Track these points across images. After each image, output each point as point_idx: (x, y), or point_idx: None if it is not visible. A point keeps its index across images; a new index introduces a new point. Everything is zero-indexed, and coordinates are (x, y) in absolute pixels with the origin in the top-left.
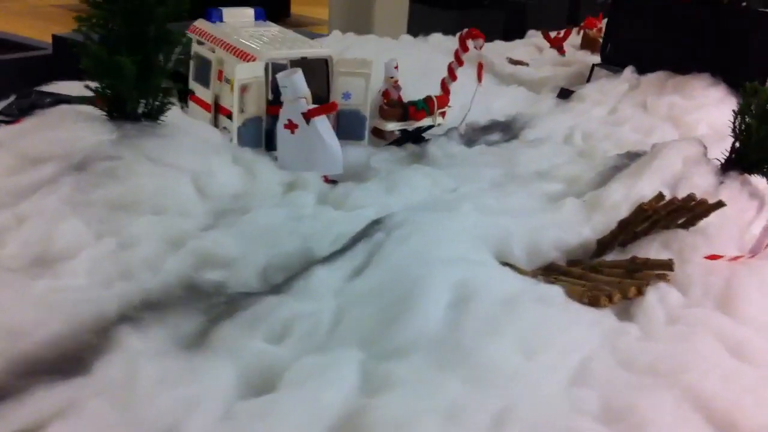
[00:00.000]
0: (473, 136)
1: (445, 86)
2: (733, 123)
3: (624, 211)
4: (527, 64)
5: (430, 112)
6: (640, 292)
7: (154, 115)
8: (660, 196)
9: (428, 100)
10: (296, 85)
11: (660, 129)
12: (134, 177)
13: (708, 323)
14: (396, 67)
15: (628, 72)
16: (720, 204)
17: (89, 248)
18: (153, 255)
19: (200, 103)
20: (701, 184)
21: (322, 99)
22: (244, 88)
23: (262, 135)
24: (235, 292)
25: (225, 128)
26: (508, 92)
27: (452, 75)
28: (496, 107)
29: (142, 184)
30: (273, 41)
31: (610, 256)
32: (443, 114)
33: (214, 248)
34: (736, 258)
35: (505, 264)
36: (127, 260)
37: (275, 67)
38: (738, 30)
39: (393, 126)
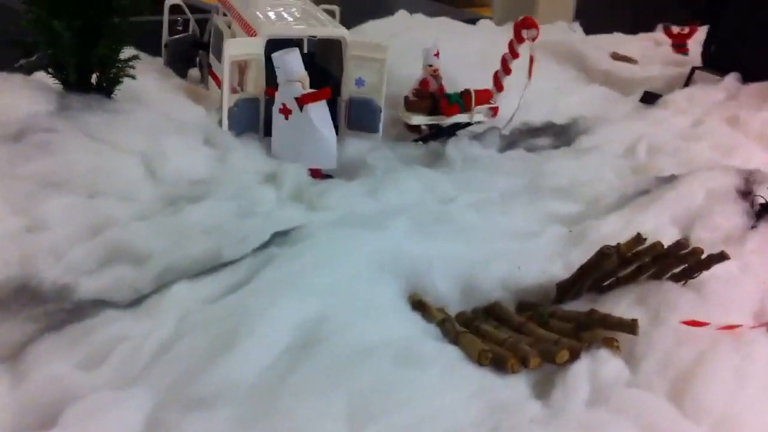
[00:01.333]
0: (517, 138)
1: (497, 80)
2: None
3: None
4: (635, 62)
5: (466, 108)
6: (574, 357)
7: (107, 87)
8: (638, 239)
9: (465, 94)
10: (288, 67)
11: (744, 149)
12: (68, 153)
13: (643, 413)
14: (437, 54)
15: (730, 79)
16: (722, 257)
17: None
18: (63, 241)
19: (215, 78)
20: (723, 224)
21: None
22: (242, 66)
23: (259, 118)
24: (85, 299)
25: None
26: (585, 91)
27: (506, 68)
28: (564, 107)
29: (75, 162)
30: (289, 17)
31: (576, 304)
32: (495, 111)
33: (131, 241)
34: (729, 327)
35: (417, 301)
36: (33, 243)
37: (276, 45)
38: None
39: (419, 120)
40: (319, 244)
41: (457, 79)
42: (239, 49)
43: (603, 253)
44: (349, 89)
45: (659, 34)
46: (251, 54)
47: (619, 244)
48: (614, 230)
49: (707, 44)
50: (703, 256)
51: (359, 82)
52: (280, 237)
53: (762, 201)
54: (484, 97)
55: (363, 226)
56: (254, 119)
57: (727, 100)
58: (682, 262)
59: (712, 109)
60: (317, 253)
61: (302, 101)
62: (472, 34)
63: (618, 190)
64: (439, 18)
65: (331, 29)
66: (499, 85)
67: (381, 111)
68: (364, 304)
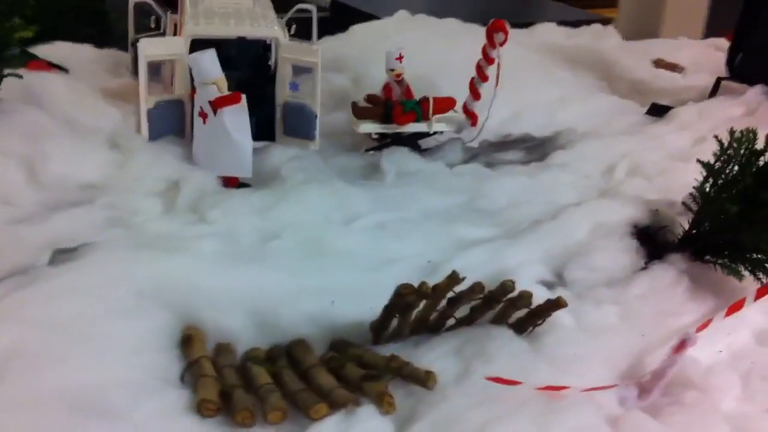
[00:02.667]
0: (482, 151)
1: (474, 88)
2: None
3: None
4: (681, 70)
5: (424, 117)
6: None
7: None
8: (453, 278)
9: (423, 101)
10: (201, 68)
11: None
12: None
13: None
14: (399, 58)
15: (755, 92)
16: (558, 305)
17: None
18: None
19: None
20: (605, 265)
21: None
22: (163, 67)
23: (184, 122)
24: None
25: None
26: (591, 101)
27: (481, 75)
28: (560, 118)
29: None
30: (227, 15)
31: (397, 347)
32: (474, 120)
33: None
34: (552, 388)
35: (186, 336)
36: None
37: (199, 45)
38: None
39: (368, 128)
40: (84, 266)
41: (441, 86)
42: (156, 49)
43: (399, 294)
44: (284, 94)
45: (721, 39)
46: (171, 54)
47: (423, 283)
48: (474, 264)
49: (733, 53)
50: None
51: (293, 87)
52: (63, 254)
53: None
54: (445, 105)
55: (165, 248)
56: (177, 122)
57: (744, 115)
58: (515, 307)
59: (722, 125)
60: (71, 278)
61: (215, 105)
62: (473, 37)
63: (549, 214)
64: (447, 19)
65: (262, 30)
66: (475, 93)
67: (316, 117)
68: (89, 340)
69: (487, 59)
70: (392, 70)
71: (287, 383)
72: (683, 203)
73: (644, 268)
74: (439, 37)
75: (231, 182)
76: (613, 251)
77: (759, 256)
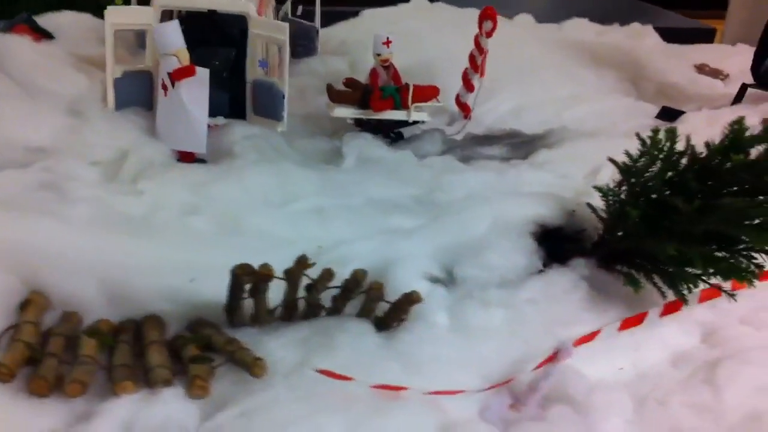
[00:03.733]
0: (464, 145)
1: (467, 79)
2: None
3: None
4: (725, 76)
5: (403, 105)
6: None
7: None
8: (301, 262)
9: (403, 88)
10: (163, 39)
11: None
12: None
13: None
14: (386, 43)
15: None
16: (412, 300)
17: None
18: None
19: None
20: (499, 265)
21: None
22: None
23: (152, 93)
24: None
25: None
26: (603, 101)
27: (474, 66)
28: (566, 117)
29: None
30: None
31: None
32: (467, 112)
33: None
34: (389, 387)
35: (25, 300)
36: None
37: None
38: None
39: (343, 112)
40: None
41: (442, 74)
42: (123, 18)
43: (233, 274)
44: (254, 71)
45: None
46: (140, 24)
47: (263, 265)
48: (363, 253)
49: (759, 59)
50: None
51: (263, 64)
52: None
53: None
54: (426, 93)
55: (32, 211)
56: (145, 93)
57: (759, 124)
58: (371, 299)
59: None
60: None
61: (173, 76)
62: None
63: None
64: (467, 9)
65: (234, 3)
66: (468, 85)
67: (284, 97)
68: None
69: (480, 49)
70: (378, 54)
71: (116, 357)
72: (587, 204)
73: (541, 272)
74: (450, 26)
75: (186, 157)
76: (511, 251)
77: (671, 268)
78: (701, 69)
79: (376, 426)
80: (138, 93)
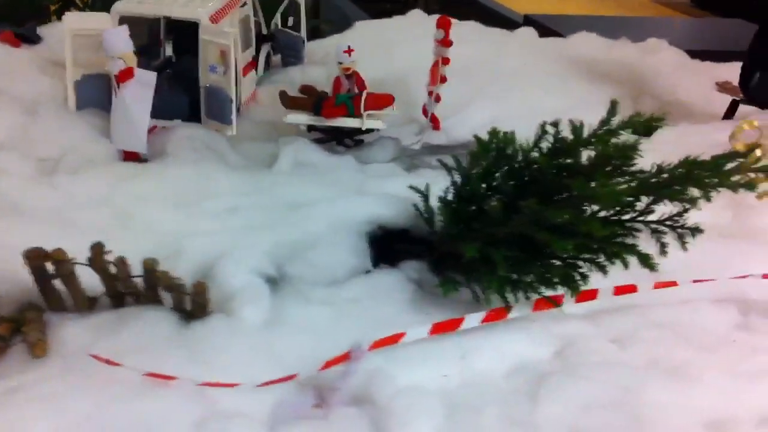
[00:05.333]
0: (417, 154)
1: (434, 89)
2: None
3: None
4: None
5: (356, 112)
6: None
7: None
8: (95, 248)
9: (356, 96)
10: (109, 42)
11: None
12: None
13: None
14: (347, 52)
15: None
16: (195, 290)
17: None
18: None
19: None
20: (329, 263)
21: None
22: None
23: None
24: None
25: None
26: (584, 115)
27: (434, 75)
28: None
29: None
30: None
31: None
32: (436, 123)
33: None
34: (162, 377)
35: None
36: None
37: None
38: None
39: (295, 119)
40: None
41: (417, 86)
42: (81, 23)
43: (25, 257)
44: (206, 77)
45: None
46: (98, 29)
47: (56, 250)
48: (206, 247)
49: (748, 73)
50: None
51: (212, 69)
52: None
53: None
54: (380, 101)
55: None
56: (104, 95)
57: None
58: (175, 290)
59: (693, 150)
60: None
61: (118, 79)
62: (484, 41)
63: None
64: (467, 22)
65: (188, 10)
66: (434, 96)
67: (232, 102)
68: None
69: (443, 60)
70: (340, 63)
71: None
72: (413, 206)
73: (368, 272)
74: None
75: (130, 156)
76: (343, 250)
77: (502, 273)
78: (723, 87)
79: (127, 409)
80: (98, 95)
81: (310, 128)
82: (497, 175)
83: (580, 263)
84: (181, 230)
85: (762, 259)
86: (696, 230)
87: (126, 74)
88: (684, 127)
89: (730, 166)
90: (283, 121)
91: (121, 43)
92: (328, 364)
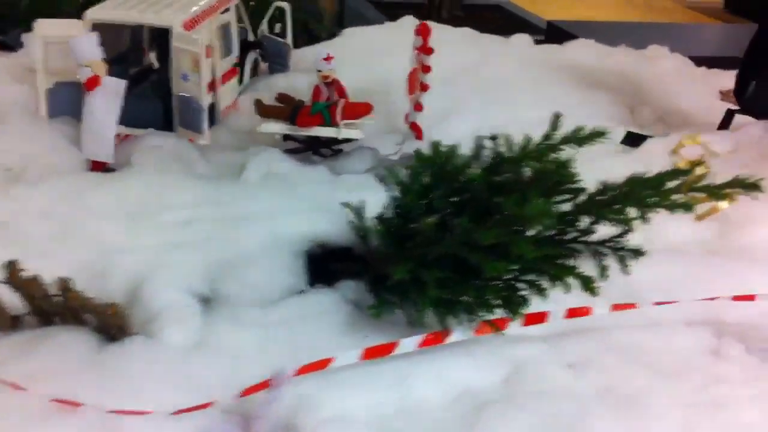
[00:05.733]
0: (394, 164)
1: (413, 99)
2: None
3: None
4: None
5: (332, 121)
6: None
7: None
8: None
9: (332, 105)
10: (77, 50)
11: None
12: None
13: None
14: (326, 59)
15: (749, 131)
16: (109, 311)
17: None
18: None
19: None
20: (261, 283)
21: None
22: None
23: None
24: None
25: None
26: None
27: (411, 83)
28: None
29: None
30: (147, 2)
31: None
32: (419, 133)
33: None
34: (69, 403)
35: None
36: None
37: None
38: None
39: (270, 128)
40: None
41: (404, 93)
42: (53, 30)
43: None
44: (178, 84)
45: None
46: (69, 36)
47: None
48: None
49: (743, 82)
50: None
51: (185, 78)
52: None
53: None
54: (357, 111)
55: None
56: (77, 103)
57: (725, 154)
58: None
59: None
60: None
61: (85, 86)
62: (474, 48)
63: None
64: (462, 28)
65: (159, 17)
66: (416, 105)
67: (203, 111)
68: None
69: (423, 68)
70: (319, 71)
71: None
72: (349, 222)
73: (302, 292)
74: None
75: (96, 166)
76: (278, 269)
77: (432, 294)
78: (726, 95)
79: None
80: (71, 103)
81: (286, 138)
82: (436, 191)
83: (521, 285)
84: (123, 245)
85: (745, 279)
86: (637, 252)
87: (92, 82)
88: (675, 138)
89: (671, 184)
90: (257, 130)
91: (89, 51)
92: (247, 392)
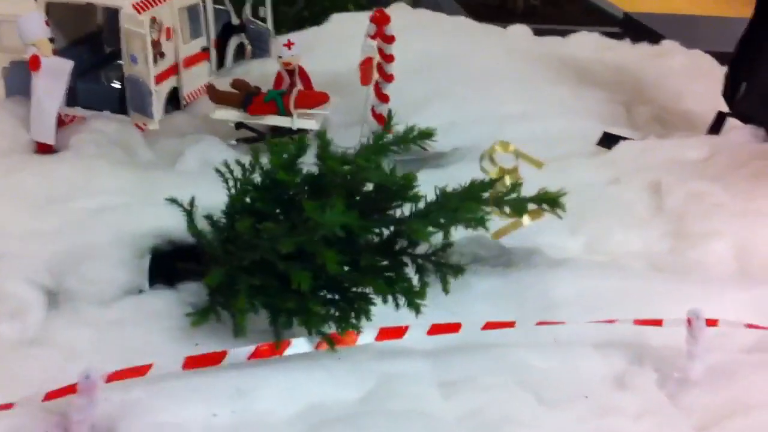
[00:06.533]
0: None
1: (378, 90)
2: None
3: None
4: None
5: (286, 110)
6: None
7: None
8: None
9: (286, 93)
10: (22, 29)
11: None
12: None
13: None
14: (287, 45)
15: (740, 133)
16: None
17: None
18: None
19: None
20: (103, 280)
21: None
22: None
23: None
24: None
25: None
26: (551, 122)
27: (383, 74)
28: (501, 136)
29: None
30: None
31: None
32: (389, 129)
33: None
34: None
35: None
36: None
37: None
38: None
39: (223, 115)
40: None
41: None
42: (6, 8)
43: None
44: (128, 66)
45: None
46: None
47: None
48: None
49: (732, 83)
50: None
51: (133, 59)
52: None
53: None
54: (312, 100)
55: None
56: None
57: (698, 161)
58: None
59: (661, 168)
60: None
61: (29, 67)
62: (466, 35)
63: None
64: (457, 17)
65: None
66: (381, 95)
67: (152, 94)
68: None
69: (385, 57)
70: (280, 57)
71: None
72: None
73: (141, 292)
74: (420, 31)
75: (42, 147)
76: (118, 266)
77: (242, 303)
78: None
79: None
80: (28, 82)
81: (239, 125)
82: (261, 192)
83: (352, 296)
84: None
85: (686, 300)
86: (458, 270)
87: (34, 62)
88: (652, 141)
89: (480, 195)
90: (210, 116)
91: (35, 30)
92: (51, 395)
